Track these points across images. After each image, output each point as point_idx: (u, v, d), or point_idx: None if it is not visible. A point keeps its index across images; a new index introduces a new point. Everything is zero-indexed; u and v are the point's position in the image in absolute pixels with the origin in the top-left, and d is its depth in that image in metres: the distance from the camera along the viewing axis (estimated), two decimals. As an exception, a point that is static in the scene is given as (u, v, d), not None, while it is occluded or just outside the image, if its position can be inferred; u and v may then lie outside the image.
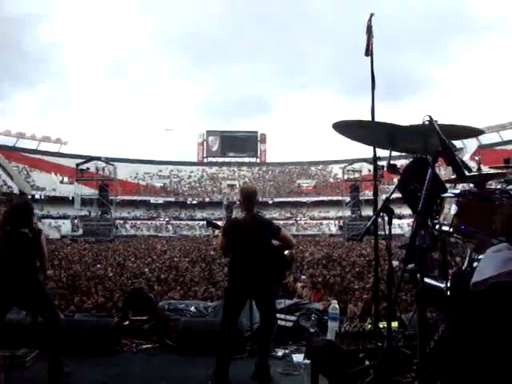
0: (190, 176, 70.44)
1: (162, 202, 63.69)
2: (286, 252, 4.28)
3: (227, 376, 3.95)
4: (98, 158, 49.31)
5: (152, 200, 63.38)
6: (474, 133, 3.71)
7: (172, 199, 64.12)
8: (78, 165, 46.66)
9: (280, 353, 4.76)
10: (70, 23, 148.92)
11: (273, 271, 4.14)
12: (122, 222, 54.79)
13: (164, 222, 60.25)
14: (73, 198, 49.91)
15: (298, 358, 4.59)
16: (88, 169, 47.45)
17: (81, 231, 43.90)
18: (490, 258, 1.99)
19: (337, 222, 54.91)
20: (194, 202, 64.02)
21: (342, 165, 54.27)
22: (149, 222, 60.02)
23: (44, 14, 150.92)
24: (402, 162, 3.98)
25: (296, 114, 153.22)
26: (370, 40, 3.49)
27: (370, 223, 3.00)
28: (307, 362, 4.30)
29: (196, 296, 9.69)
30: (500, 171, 2.63)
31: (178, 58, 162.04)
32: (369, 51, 3.50)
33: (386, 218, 2.90)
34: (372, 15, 3.49)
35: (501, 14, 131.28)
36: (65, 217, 50.45)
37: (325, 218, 59.81)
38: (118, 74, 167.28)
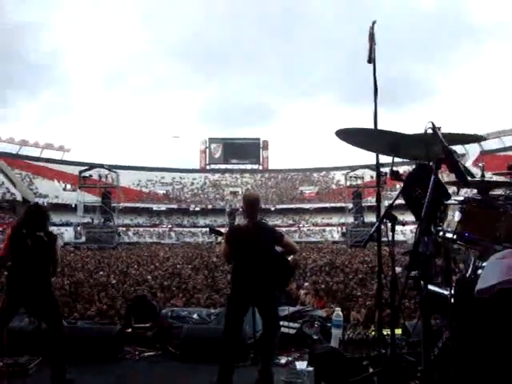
0: (192, 183, 70.46)
1: (164, 209, 63.64)
2: (290, 258, 4.27)
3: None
4: (101, 166, 49.39)
5: (155, 207, 63.35)
6: (475, 139, 3.71)
7: (175, 206, 64.09)
8: (80, 172, 46.73)
9: (283, 360, 4.74)
10: (72, 31, 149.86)
11: (276, 278, 4.13)
12: (124, 229, 54.71)
13: (167, 229, 60.18)
14: (75, 205, 49.91)
15: (302, 365, 4.57)
16: (91, 176, 47.49)
17: (83, 238, 43.89)
18: (495, 264, 1.99)
19: (339, 228, 54.72)
20: (197, 209, 63.95)
21: (345, 171, 54.19)
22: (151, 229, 59.97)
23: (45, 22, 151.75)
24: (404, 169, 3.98)
25: (298, 121, 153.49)
26: (373, 47, 3.50)
27: (373, 230, 2.99)
28: (310, 369, 4.28)
29: (199, 303, 9.68)
30: (504, 179, 2.63)
31: (179, 65, 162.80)
32: (371, 58, 3.51)
33: (389, 225, 2.90)
34: (374, 23, 3.50)
35: (501, 21, 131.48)
36: (67, 224, 50.41)
37: (327, 225, 59.67)
38: (119, 81, 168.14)
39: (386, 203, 3.54)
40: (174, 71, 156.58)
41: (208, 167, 75.57)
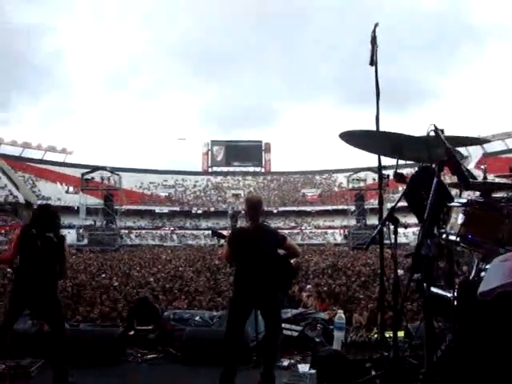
0: (194, 185, 70.52)
1: (166, 211, 63.67)
2: (292, 261, 4.27)
3: (233, 386, 3.93)
4: (103, 168, 49.49)
5: (157, 209, 63.39)
6: (478, 142, 3.71)
7: (177, 209, 64.12)
8: (83, 174, 46.83)
9: (286, 363, 4.74)
10: (73, 34, 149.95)
11: (278, 280, 4.13)
12: (126, 231, 54.75)
13: (169, 232, 60.20)
14: (78, 207, 49.99)
15: (304, 368, 4.56)
16: (93, 178, 47.60)
17: (86, 241, 43.96)
18: (498, 267, 1.98)
19: (342, 231, 54.68)
20: (199, 211, 63.98)
21: (347, 174, 54.20)
22: (154, 232, 59.99)
23: (47, 25, 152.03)
24: (408, 171, 3.97)
25: (300, 123, 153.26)
26: (375, 50, 3.50)
27: (375, 232, 2.99)
28: (313, 372, 4.27)
29: (201, 306, 9.68)
30: (507, 181, 2.63)
31: (180, 67, 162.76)
32: (373, 61, 3.51)
33: (392, 227, 2.90)
34: (376, 25, 3.50)
35: (502, 22, 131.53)
36: (70, 226, 50.38)
37: (330, 227, 59.62)
38: (121, 84, 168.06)
39: (389, 205, 3.53)
40: (175, 73, 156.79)
41: (210, 170, 75.62)
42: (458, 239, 2.35)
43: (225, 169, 75.47)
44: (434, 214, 2.41)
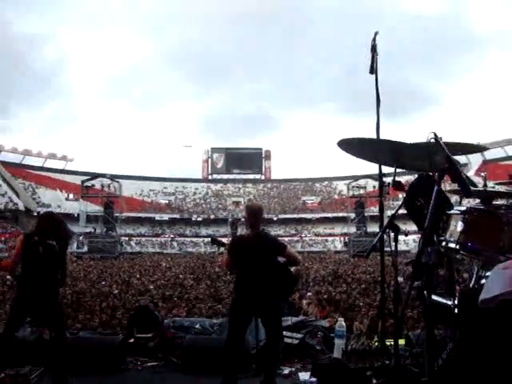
0: (194, 193, 70.51)
1: (167, 218, 63.64)
2: (292, 269, 4.27)
3: (233, 394, 3.91)
4: (104, 175, 49.53)
5: (157, 217, 63.36)
6: (477, 149, 3.72)
7: (177, 216, 64.08)
8: (83, 182, 46.86)
9: (286, 371, 4.71)
10: (74, 42, 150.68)
11: (279, 288, 4.13)
12: (127, 238, 54.70)
13: (169, 239, 60.14)
14: (78, 214, 49.96)
15: (305, 376, 4.54)
16: (93, 186, 47.62)
17: (86, 248, 43.89)
18: (498, 275, 1.98)
19: (342, 238, 54.63)
20: (199, 218, 63.95)
21: (347, 181, 54.19)
22: (154, 239, 59.91)
23: (48, 34, 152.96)
24: (406, 179, 3.98)
25: (300, 131, 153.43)
26: (375, 58, 3.51)
27: (376, 240, 2.99)
28: (314, 380, 4.26)
29: (201, 313, 9.65)
30: (507, 188, 2.63)
31: (180, 75, 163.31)
32: (373, 69, 3.52)
33: (392, 235, 2.90)
34: (376, 34, 3.51)
35: (502, 29, 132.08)
36: (70, 234, 50.46)
37: (330, 235, 59.55)
38: (122, 92, 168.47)
39: (389, 213, 3.54)
40: (175, 81, 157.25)
41: (210, 177, 75.63)
42: (458, 247, 2.35)
43: (225, 176, 75.47)
44: (434, 222, 2.41)
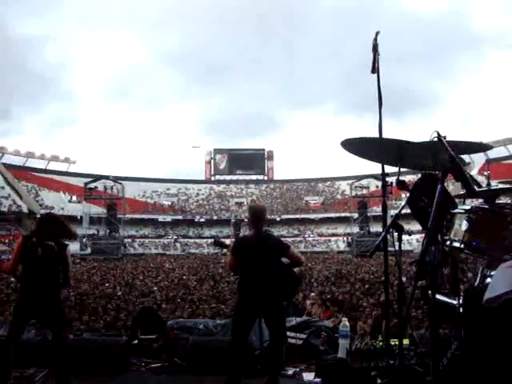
0: (197, 194, 70.55)
1: (170, 220, 63.67)
2: (296, 269, 4.27)
3: (237, 395, 3.91)
4: (106, 177, 49.58)
5: (160, 218, 63.40)
6: (481, 148, 3.71)
7: (180, 217, 64.13)
8: (86, 184, 46.90)
9: (290, 371, 4.71)
10: (76, 44, 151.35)
11: (282, 289, 4.12)
12: (130, 240, 54.75)
13: (172, 240, 60.19)
14: (81, 216, 49.98)
15: (309, 376, 4.54)
16: (96, 187, 47.67)
17: (89, 250, 43.89)
18: (503, 274, 1.98)
19: (345, 238, 54.54)
20: (202, 219, 63.98)
21: (350, 181, 54.16)
22: (157, 241, 59.96)
23: (50, 35, 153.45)
24: (410, 178, 3.97)
25: (303, 131, 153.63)
26: (376, 58, 3.51)
27: (379, 240, 2.99)
28: (318, 380, 4.26)
29: (205, 314, 9.66)
30: (510, 186, 2.62)
31: (183, 77, 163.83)
32: (375, 69, 3.52)
33: (396, 235, 2.89)
34: (378, 33, 3.51)
35: (502, 29, 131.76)
36: (73, 236, 50.39)
37: (333, 235, 59.51)
38: (123, 93, 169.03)
39: (392, 213, 3.53)
40: (177, 83, 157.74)
41: (213, 178, 75.67)
42: (463, 246, 2.34)
43: (228, 177, 75.52)
44: (438, 221, 2.40)
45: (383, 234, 2.99)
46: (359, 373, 3.63)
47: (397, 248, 2.87)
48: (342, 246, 54.36)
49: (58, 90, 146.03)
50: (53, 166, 68.14)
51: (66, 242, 4.42)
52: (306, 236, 60.19)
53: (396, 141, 2.74)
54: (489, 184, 2.62)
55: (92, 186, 47.09)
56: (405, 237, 2.91)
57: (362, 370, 3.60)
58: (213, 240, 5.67)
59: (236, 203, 67.18)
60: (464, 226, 2.34)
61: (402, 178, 2.83)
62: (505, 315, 1.92)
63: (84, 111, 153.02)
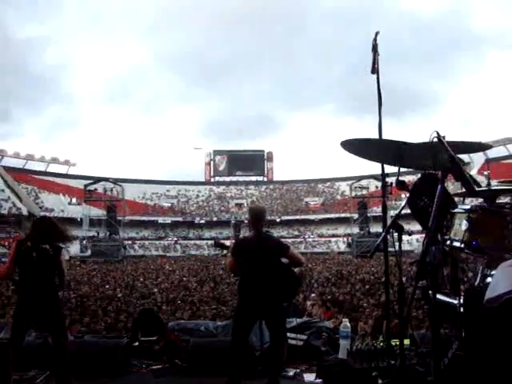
0: (197, 195, 70.55)
1: (169, 221, 63.66)
2: (296, 270, 4.26)
3: (238, 396, 3.91)
4: (106, 179, 49.63)
5: (160, 220, 63.40)
6: (481, 148, 3.71)
7: (180, 219, 64.14)
8: (86, 186, 46.95)
9: (291, 372, 4.71)
10: (76, 46, 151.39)
11: (283, 290, 4.12)
12: (130, 242, 54.76)
13: (172, 242, 60.20)
14: (81, 218, 50.06)
15: (310, 377, 4.54)
16: (96, 190, 47.71)
17: (89, 252, 43.90)
18: (503, 273, 1.98)
19: (345, 239, 54.54)
20: (202, 221, 63.98)
21: (350, 182, 54.21)
22: (157, 242, 59.98)
23: (50, 37, 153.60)
24: (410, 178, 3.97)
25: (302, 132, 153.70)
26: (376, 58, 3.51)
27: (379, 240, 2.99)
28: (319, 381, 4.26)
29: (205, 315, 9.65)
30: (510, 186, 2.62)
31: (182, 79, 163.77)
32: (375, 69, 3.53)
33: (396, 235, 2.89)
34: (377, 34, 3.52)
35: (502, 29, 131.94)
36: (73, 238, 50.48)
37: (333, 236, 59.53)
38: (123, 95, 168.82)
39: (392, 213, 3.53)
40: (176, 85, 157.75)
41: (213, 179, 75.68)
42: (463, 246, 2.35)
43: (227, 178, 75.53)
44: (438, 221, 2.40)
45: (383, 234, 3.00)
46: (360, 373, 3.63)
47: (397, 248, 2.88)
48: (343, 247, 54.36)
49: (57, 92, 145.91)
50: (53, 168, 68.22)
51: (62, 246, 4.39)
52: (306, 237, 60.20)
53: (395, 141, 2.75)
54: (489, 184, 2.62)
55: (92, 188, 47.15)
56: (405, 237, 2.91)
57: (363, 371, 3.60)
58: (213, 241, 5.67)
59: (236, 204, 67.20)
60: (464, 225, 2.34)
61: (401, 178, 2.84)
62: (505, 315, 1.92)
63: (84, 113, 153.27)
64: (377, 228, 40.74)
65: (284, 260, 4.16)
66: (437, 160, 2.58)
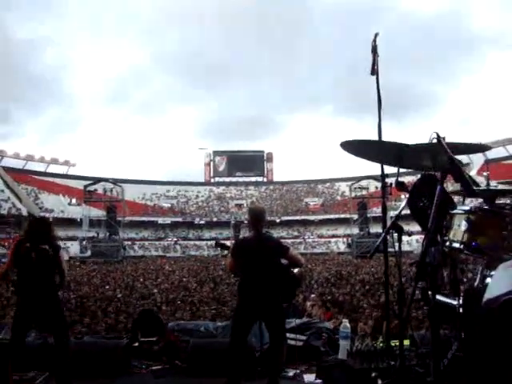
0: (197, 196, 70.55)
1: (169, 222, 63.67)
2: (296, 270, 4.27)
3: (238, 397, 3.91)
4: (106, 180, 49.63)
5: (160, 220, 63.39)
6: (480, 149, 3.71)
7: (180, 219, 64.14)
8: (85, 186, 46.95)
9: (291, 373, 4.71)
10: (76, 47, 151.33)
11: (282, 290, 4.13)
12: (130, 242, 54.74)
13: (172, 243, 60.20)
14: (81, 219, 50.07)
15: (310, 378, 4.54)
16: (96, 190, 47.72)
17: (89, 252, 43.90)
18: (502, 274, 1.98)
19: (345, 239, 54.53)
20: (202, 222, 63.97)
21: (349, 182, 54.23)
22: (157, 243, 59.98)
23: (50, 38, 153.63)
24: (409, 179, 3.97)
25: (302, 133, 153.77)
26: (376, 59, 3.52)
27: (379, 241, 2.99)
28: (319, 381, 4.26)
29: (205, 316, 9.65)
30: (510, 187, 2.63)
31: (182, 80, 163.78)
32: (374, 70, 3.53)
33: (396, 235, 2.90)
34: (377, 35, 3.52)
35: (502, 29, 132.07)
36: (73, 238, 50.42)
37: (333, 236, 59.53)
38: (123, 96, 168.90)
39: (392, 214, 3.54)
40: (175, 85, 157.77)
41: (213, 180, 75.69)
42: (462, 246, 2.35)
43: (227, 179, 75.53)
44: (437, 222, 2.41)
45: (383, 235, 3.00)
46: (360, 374, 3.63)
47: (397, 249, 2.88)
48: (342, 247, 54.36)
49: (57, 93, 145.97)
50: (52, 168, 68.22)
51: (60, 245, 4.41)
52: (306, 237, 60.21)
53: (395, 142, 2.75)
54: (488, 184, 2.63)
55: (92, 188, 47.16)
56: (404, 238, 2.92)
57: (363, 371, 3.60)
58: (214, 242, 5.67)
59: (236, 205, 67.20)
60: (463, 226, 2.34)
61: (401, 179, 2.84)
62: (505, 315, 1.93)
63: (84, 114, 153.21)
64: (376, 228, 40.72)
65: (284, 261, 4.17)
66: (436, 161, 2.58)
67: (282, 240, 4.79)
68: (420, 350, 3.40)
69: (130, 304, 12.18)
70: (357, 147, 3.02)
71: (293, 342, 5.01)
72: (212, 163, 75.76)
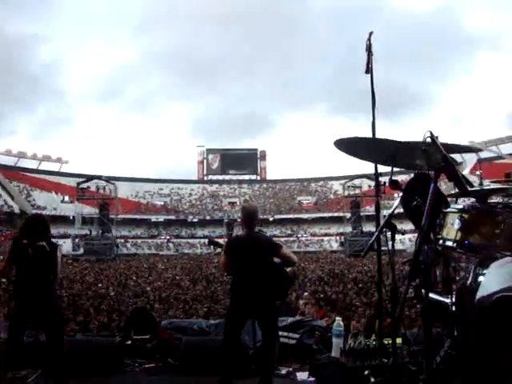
0: (190, 194, 70.44)
1: (162, 220, 63.57)
2: (289, 269, 4.27)
3: (231, 395, 3.91)
4: (99, 177, 49.38)
5: (153, 218, 63.29)
6: (472, 150, 3.72)
7: (173, 217, 64.01)
8: (78, 184, 46.71)
9: (284, 371, 4.72)
10: (68, 43, 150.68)
11: (275, 289, 4.13)
12: (122, 240, 54.53)
13: (165, 241, 60.08)
14: (73, 217, 49.86)
15: (302, 375, 4.55)
16: (89, 188, 47.49)
17: (82, 250, 43.70)
18: (495, 272, 1.99)
19: (338, 238, 54.64)
20: (195, 220, 63.91)
21: (343, 181, 54.30)
22: (150, 241, 59.84)
23: (42, 35, 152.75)
24: (403, 178, 3.99)
25: (295, 131, 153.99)
26: (370, 58, 3.53)
27: (373, 239, 3.00)
28: (312, 379, 4.27)
29: (198, 314, 9.65)
30: (502, 186, 2.64)
31: (175, 77, 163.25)
32: (369, 69, 3.54)
33: (389, 234, 2.91)
34: (371, 34, 3.53)
35: (496, 31, 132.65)
36: (65, 236, 50.18)
37: (326, 235, 59.64)
38: (116, 93, 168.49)
39: (385, 212, 3.55)
40: (169, 83, 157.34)
41: (206, 178, 75.57)
42: (455, 245, 2.36)
43: (220, 177, 75.44)
44: (430, 221, 2.42)
45: (376, 233, 3.01)
46: (353, 372, 3.64)
47: (390, 247, 2.89)
48: (335, 246, 54.48)
49: (49, 90, 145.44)
50: (45, 166, 67.86)
51: (58, 242, 4.39)
52: (299, 236, 60.27)
53: (388, 141, 2.76)
54: (481, 183, 2.64)
55: (84, 186, 46.91)
56: (398, 236, 2.93)
57: (356, 369, 3.61)
58: (207, 240, 5.66)
59: (229, 203, 67.14)
60: (456, 225, 2.35)
61: (394, 177, 2.85)
62: (497, 313, 1.93)
63: (76, 111, 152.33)
64: (369, 227, 40.87)
65: (276, 259, 4.18)
66: (430, 160, 2.59)
67: (275, 238, 4.81)
68: (412, 347, 3.42)
69: (122, 302, 12.16)
70: (351, 146, 3.02)
71: (286, 340, 5.02)
72: (205, 161, 75.65)
